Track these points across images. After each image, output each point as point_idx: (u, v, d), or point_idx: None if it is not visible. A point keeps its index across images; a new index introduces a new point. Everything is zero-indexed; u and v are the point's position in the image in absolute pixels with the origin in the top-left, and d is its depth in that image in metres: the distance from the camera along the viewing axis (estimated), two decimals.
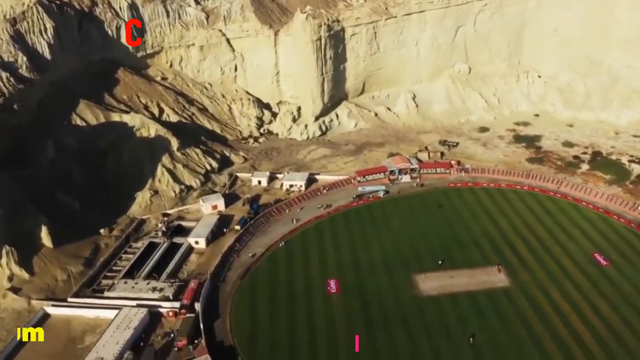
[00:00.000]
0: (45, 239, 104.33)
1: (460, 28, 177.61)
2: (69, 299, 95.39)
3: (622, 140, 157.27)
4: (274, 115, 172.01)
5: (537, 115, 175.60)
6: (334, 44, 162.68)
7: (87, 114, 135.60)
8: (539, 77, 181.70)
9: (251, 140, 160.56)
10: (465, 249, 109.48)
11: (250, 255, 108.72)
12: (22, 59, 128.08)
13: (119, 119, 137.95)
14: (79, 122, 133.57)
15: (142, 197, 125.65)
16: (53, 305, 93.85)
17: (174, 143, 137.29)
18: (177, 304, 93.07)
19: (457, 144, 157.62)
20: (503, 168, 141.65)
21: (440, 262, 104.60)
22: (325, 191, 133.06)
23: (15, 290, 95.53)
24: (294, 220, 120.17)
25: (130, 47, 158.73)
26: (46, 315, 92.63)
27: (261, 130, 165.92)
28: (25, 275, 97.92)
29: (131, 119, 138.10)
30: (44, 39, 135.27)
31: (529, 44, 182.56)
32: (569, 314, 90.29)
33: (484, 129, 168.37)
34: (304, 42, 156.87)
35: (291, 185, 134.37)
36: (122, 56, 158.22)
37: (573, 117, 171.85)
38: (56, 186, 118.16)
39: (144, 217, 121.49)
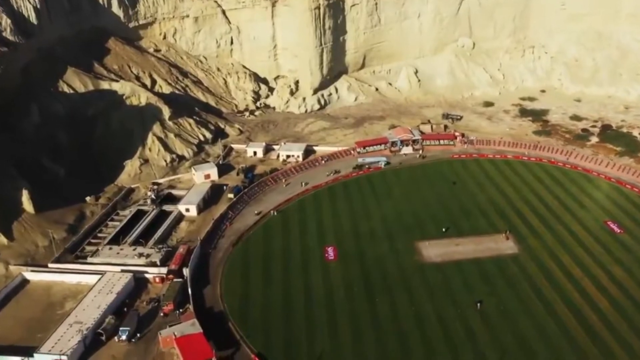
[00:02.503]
0: (26, 204, 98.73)
1: (464, 1, 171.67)
2: (50, 265, 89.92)
3: (632, 114, 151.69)
4: (271, 90, 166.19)
5: (543, 90, 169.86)
6: (333, 13, 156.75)
7: (74, 81, 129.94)
8: (546, 52, 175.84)
9: (247, 113, 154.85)
10: (471, 217, 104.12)
11: (255, 212, 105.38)
12: (6, 22, 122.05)
13: (108, 87, 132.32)
14: (66, 89, 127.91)
15: (132, 165, 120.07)
16: (32, 271, 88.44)
17: (166, 112, 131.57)
18: (164, 270, 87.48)
19: (461, 117, 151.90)
20: (509, 140, 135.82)
21: (444, 230, 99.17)
22: (323, 162, 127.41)
23: None
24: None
25: (121, 17, 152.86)
26: (25, 281, 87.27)
27: (258, 104, 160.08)
28: (4, 240, 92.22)
29: (121, 87, 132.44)
30: (30, 2, 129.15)
31: (535, 19, 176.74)
32: (581, 279, 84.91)
33: (488, 104, 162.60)
34: (301, 10, 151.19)
35: (288, 156, 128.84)
36: (113, 26, 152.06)
37: (581, 92, 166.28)
38: (41, 152, 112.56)
39: (132, 185, 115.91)
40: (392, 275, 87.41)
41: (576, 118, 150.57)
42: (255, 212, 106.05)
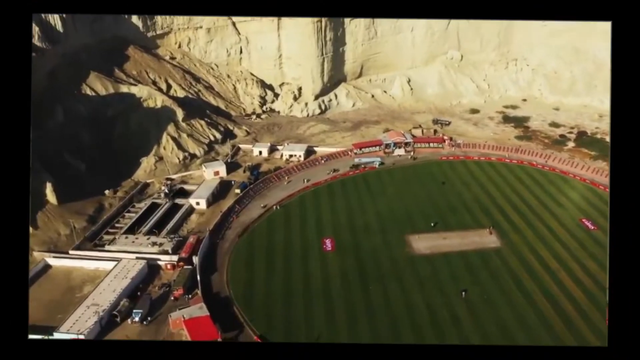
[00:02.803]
0: (50, 196, 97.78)
1: None
2: (71, 252, 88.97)
3: (605, 122, 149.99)
4: (276, 95, 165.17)
5: (524, 100, 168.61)
6: (334, 27, 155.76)
7: (96, 85, 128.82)
8: (527, 65, 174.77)
9: (254, 116, 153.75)
10: (457, 213, 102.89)
11: (262, 205, 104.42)
12: (34, 29, 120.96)
13: (127, 91, 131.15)
14: (88, 92, 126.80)
15: (147, 162, 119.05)
16: (54, 257, 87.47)
17: (180, 114, 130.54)
18: (175, 258, 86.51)
19: (449, 122, 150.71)
20: (493, 144, 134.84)
21: (433, 225, 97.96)
22: (323, 161, 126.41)
23: None
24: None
25: (140, 27, 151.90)
26: (47, 266, 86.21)
27: (264, 108, 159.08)
28: (29, 229, 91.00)
29: (139, 91, 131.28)
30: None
31: (518, 34, 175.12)
32: (558, 272, 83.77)
33: (474, 111, 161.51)
34: (305, 23, 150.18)
35: (291, 156, 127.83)
36: (133, 35, 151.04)
37: (559, 101, 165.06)
38: (64, 149, 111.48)
39: (148, 181, 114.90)
40: (384, 266, 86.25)
41: (554, 125, 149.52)
42: (262, 205, 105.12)
